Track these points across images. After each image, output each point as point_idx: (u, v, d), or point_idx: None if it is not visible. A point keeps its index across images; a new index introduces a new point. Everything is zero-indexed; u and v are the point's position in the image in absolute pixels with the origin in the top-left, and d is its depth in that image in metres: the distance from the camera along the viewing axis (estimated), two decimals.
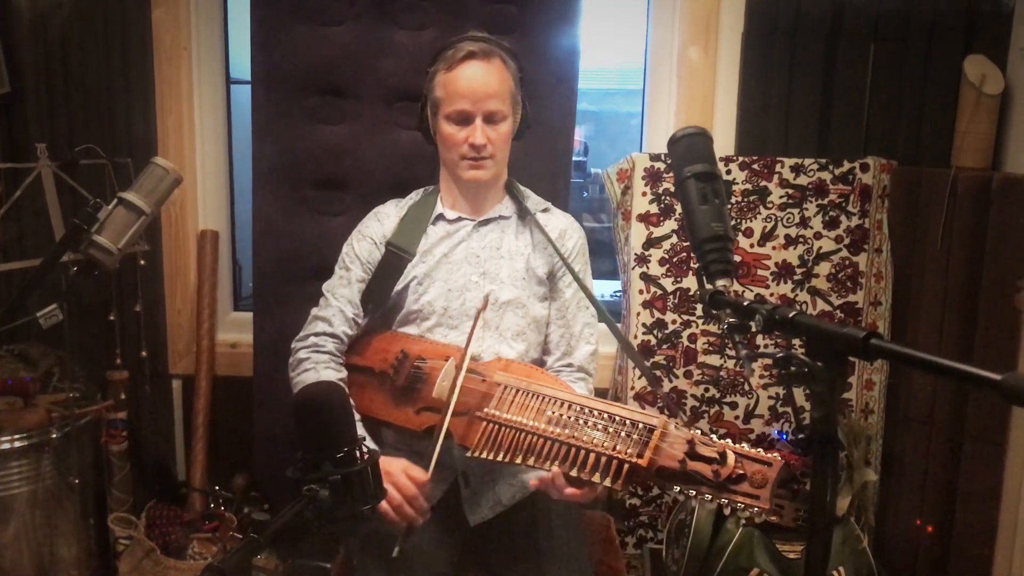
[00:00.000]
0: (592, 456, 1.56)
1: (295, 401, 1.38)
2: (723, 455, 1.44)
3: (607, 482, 1.52)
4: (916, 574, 2.48)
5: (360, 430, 1.79)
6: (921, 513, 2.46)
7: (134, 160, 2.52)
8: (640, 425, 1.57)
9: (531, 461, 1.61)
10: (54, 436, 2.33)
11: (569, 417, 1.63)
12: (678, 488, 1.46)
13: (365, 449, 1.28)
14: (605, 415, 1.61)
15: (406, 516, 1.69)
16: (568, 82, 2.40)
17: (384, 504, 1.66)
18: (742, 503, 1.40)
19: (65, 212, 2.41)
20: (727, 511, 1.43)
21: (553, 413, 1.65)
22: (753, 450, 1.45)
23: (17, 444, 2.27)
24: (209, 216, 2.77)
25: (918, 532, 2.47)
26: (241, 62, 2.59)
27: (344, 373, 1.94)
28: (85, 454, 2.45)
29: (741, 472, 1.42)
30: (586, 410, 1.63)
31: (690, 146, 1.33)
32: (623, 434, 1.57)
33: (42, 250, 2.42)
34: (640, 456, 1.51)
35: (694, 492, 1.45)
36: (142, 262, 2.57)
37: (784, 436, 2.55)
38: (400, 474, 1.71)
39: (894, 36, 2.52)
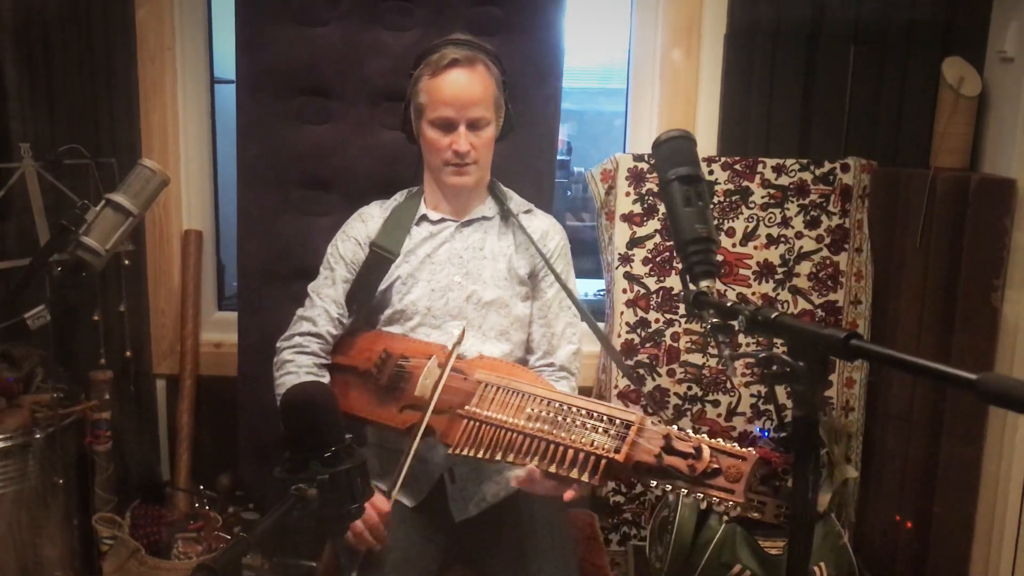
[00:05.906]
0: (570, 452, 1.57)
1: (283, 401, 1.39)
2: (698, 450, 1.46)
3: (584, 477, 1.54)
4: (895, 569, 2.51)
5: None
6: (900, 509, 2.49)
7: (118, 160, 2.51)
8: (617, 421, 1.59)
9: (510, 458, 1.62)
10: (38, 436, 2.32)
11: (548, 414, 1.65)
12: (654, 483, 1.48)
13: (353, 448, 1.30)
14: (583, 411, 1.63)
15: (365, 542, 1.73)
16: (552, 83, 2.42)
17: None
18: (717, 497, 1.42)
19: (49, 212, 2.40)
20: (703, 505, 1.46)
21: (533, 410, 1.66)
22: (728, 445, 1.47)
23: (0, 445, 2.26)
24: (193, 216, 2.76)
25: (897, 528, 2.50)
26: (225, 62, 2.58)
27: (326, 377, 1.94)
28: (69, 454, 2.44)
29: (716, 466, 1.44)
30: (565, 407, 1.65)
31: (674, 149, 1.35)
32: (600, 430, 1.58)
33: (25, 250, 2.41)
34: (617, 451, 1.53)
35: (670, 487, 1.47)
36: (126, 262, 2.56)
37: (766, 433, 2.58)
38: None
39: (873, 39, 2.54)
